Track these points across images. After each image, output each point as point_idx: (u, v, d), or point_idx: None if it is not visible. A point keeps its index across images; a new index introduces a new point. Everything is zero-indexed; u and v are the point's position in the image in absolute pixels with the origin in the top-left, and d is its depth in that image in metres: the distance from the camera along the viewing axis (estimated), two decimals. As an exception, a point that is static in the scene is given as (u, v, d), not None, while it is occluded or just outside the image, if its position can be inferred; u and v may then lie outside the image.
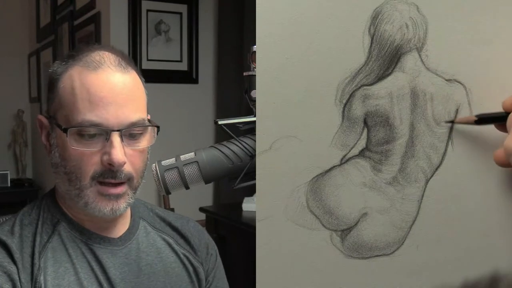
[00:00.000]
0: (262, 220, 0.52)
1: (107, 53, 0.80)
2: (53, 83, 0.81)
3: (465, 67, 0.51)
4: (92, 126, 0.75)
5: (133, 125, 0.77)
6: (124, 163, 0.76)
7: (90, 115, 0.75)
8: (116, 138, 0.75)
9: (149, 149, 0.83)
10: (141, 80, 0.83)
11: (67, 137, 0.75)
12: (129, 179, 0.78)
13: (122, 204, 0.78)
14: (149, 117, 0.83)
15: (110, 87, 0.76)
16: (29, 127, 4.29)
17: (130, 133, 0.77)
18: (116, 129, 0.75)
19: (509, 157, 0.44)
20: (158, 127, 0.82)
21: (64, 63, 0.80)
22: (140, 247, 0.86)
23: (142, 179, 0.82)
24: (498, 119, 0.49)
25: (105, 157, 0.75)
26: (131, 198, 0.80)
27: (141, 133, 0.79)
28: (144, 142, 0.80)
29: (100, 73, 0.77)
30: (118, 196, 0.78)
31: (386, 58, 0.51)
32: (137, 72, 0.82)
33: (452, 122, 0.52)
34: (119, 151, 0.75)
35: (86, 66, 0.77)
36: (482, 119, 0.50)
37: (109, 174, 0.76)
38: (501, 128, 0.50)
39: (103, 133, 0.75)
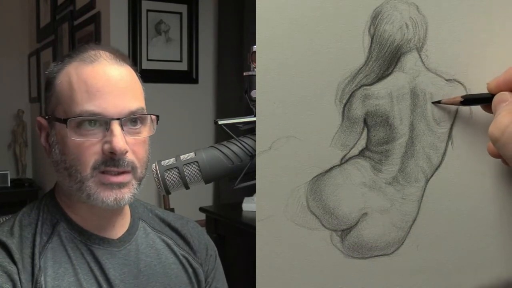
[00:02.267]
0: (262, 220, 0.52)
1: (102, 50, 0.81)
2: (50, 82, 0.81)
3: (465, 67, 0.51)
4: (92, 116, 0.75)
5: (133, 113, 0.77)
6: (126, 151, 0.76)
7: (89, 106, 0.75)
8: (116, 126, 0.75)
9: (149, 140, 0.83)
10: (137, 75, 0.84)
11: (67, 128, 0.75)
12: (133, 168, 0.78)
13: (126, 193, 0.77)
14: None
15: (107, 78, 0.77)
16: (29, 127, 4.30)
17: (130, 122, 0.78)
18: (116, 117, 0.75)
19: (494, 143, 0.44)
20: (157, 116, 0.82)
21: (60, 62, 0.82)
22: (139, 248, 0.86)
23: (146, 171, 0.82)
24: (483, 100, 0.49)
25: (106, 146, 0.75)
26: (136, 188, 0.79)
27: (141, 123, 0.80)
28: (145, 132, 0.80)
29: (96, 65, 0.78)
30: (121, 185, 0.77)
31: (386, 58, 0.51)
32: (133, 69, 0.83)
33: (439, 102, 0.51)
34: (120, 139, 0.75)
35: (83, 61, 0.79)
36: (468, 100, 0.50)
37: (111, 163, 0.75)
38: (487, 110, 0.49)
39: (103, 123, 0.75)
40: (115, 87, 0.77)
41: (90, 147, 0.75)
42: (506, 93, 0.46)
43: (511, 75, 0.46)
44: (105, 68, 0.78)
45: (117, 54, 0.82)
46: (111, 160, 0.75)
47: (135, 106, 0.78)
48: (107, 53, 0.80)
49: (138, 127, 0.79)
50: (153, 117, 0.82)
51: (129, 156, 0.77)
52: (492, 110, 0.46)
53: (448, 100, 0.51)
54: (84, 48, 0.82)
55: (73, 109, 0.76)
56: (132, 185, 0.79)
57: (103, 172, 0.76)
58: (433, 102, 0.51)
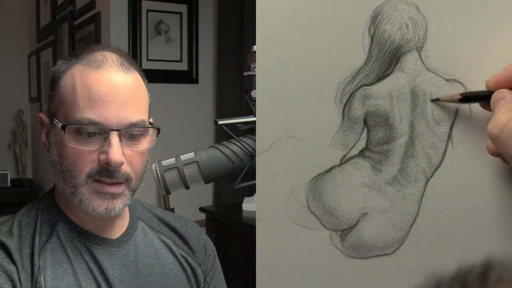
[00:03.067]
0: (262, 220, 0.52)
1: (110, 53, 0.79)
2: (55, 81, 0.81)
3: (465, 67, 0.51)
4: (91, 125, 0.74)
5: (133, 125, 0.77)
6: (122, 163, 0.75)
7: (89, 113, 0.74)
8: (114, 137, 0.74)
9: (149, 151, 0.82)
10: (144, 82, 0.83)
11: (65, 134, 0.75)
12: (127, 180, 0.78)
13: (118, 204, 0.77)
14: (151, 120, 0.83)
15: (111, 86, 0.76)
16: (29, 127, 4.30)
17: (129, 133, 0.77)
18: (115, 128, 0.75)
19: (493, 141, 0.44)
20: (158, 129, 0.81)
21: (67, 61, 0.80)
22: (138, 248, 0.86)
23: (141, 182, 0.81)
24: (482, 98, 0.49)
25: (102, 156, 0.74)
26: (128, 199, 0.79)
27: (141, 135, 0.79)
28: (144, 144, 0.79)
29: (101, 71, 0.76)
30: (114, 195, 0.77)
31: (386, 58, 0.51)
32: (140, 74, 0.82)
33: (438, 100, 0.51)
34: (117, 151, 0.74)
35: (88, 65, 0.77)
36: (467, 98, 0.50)
37: (106, 173, 0.75)
38: (486, 107, 0.49)
39: (102, 132, 0.75)
40: (118, 96, 0.75)
41: (87, 154, 0.75)
42: (505, 90, 0.45)
43: (510, 72, 0.46)
44: (110, 75, 0.76)
45: (124, 58, 0.80)
46: (106, 171, 0.75)
47: (136, 118, 0.77)
48: (114, 57, 0.78)
49: (137, 138, 0.78)
50: (154, 129, 0.81)
51: (125, 168, 0.76)
52: (491, 107, 0.46)
53: (447, 97, 0.51)
54: (92, 49, 0.80)
55: (74, 115, 0.75)
56: (125, 196, 0.78)
57: (97, 181, 0.76)
58: (431, 100, 0.51)
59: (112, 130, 0.74)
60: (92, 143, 0.75)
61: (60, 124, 0.76)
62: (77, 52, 0.81)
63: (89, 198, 0.76)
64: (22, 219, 0.81)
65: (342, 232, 0.53)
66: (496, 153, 0.47)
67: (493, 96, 0.46)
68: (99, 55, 0.78)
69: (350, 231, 0.53)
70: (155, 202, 2.72)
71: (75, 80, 0.77)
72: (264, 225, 0.52)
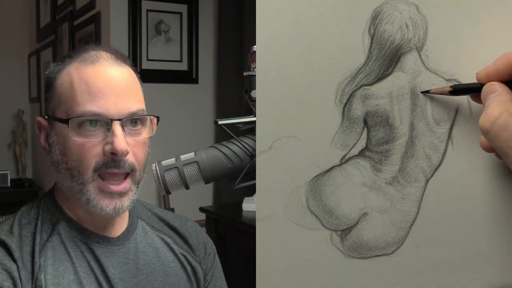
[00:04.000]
0: (262, 220, 0.52)
1: (103, 51, 0.82)
2: (50, 82, 0.81)
3: (465, 67, 0.51)
4: (93, 116, 0.75)
5: (133, 114, 0.78)
6: (127, 151, 0.76)
7: (90, 106, 0.75)
8: (117, 127, 0.75)
9: (149, 142, 0.83)
10: (137, 76, 0.84)
11: (69, 128, 0.75)
12: (132, 170, 0.78)
13: (125, 202, 0.78)
14: None
15: (108, 78, 0.77)
16: (29, 127, 4.30)
17: (130, 123, 0.78)
18: (117, 118, 0.76)
19: (485, 135, 0.44)
20: (157, 117, 0.83)
21: (60, 62, 0.82)
22: (138, 247, 0.86)
23: (143, 173, 0.82)
24: (473, 90, 0.49)
25: (108, 147, 0.75)
26: (135, 194, 0.80)
27: (141, 125, 0.80)
28: (145, 133, 0.81)
29: (97, 66, 0.78)
30: (121, 194, 0.78)
31: (386, 58, 0.51)
32: (133, 70, 0.84)
33: (428, 92, 0.51)
34: (122, 139, 0.75)
35: (83, 61, 0.79)
36: (457, 90, 0.50)
37: (112, 164, 0.76)
38: (477, 99, 0.49)
39: (104, 123, 0.76)
40: (116, 88, 0.77)
41: (92, 148, 0.76)
42: (495, 83, 0.45)
43: (500, 64, 0.46)
44: (106, 68, 0.78)
45: (117, 54, 0.82)
46: (112, 162, 0.76)
47: (136, 107, 0.79)
48: (108, 54, 0.81)
49: (138, 128, 0.80)
50: (153, 118, 0.82)
51: (130, 158, 0.77)
52: (481, 100, 0.46)
53: (437, 90, 0.51)
54: (85, 48, 0.82)
55: (75, 110, 0.76)
56: (131, 191, 0.79)
57: (103, 179, 0.77)
58: (422, 92, 0.51)
59: (114, 119, 0.75)
60: (96, 135, 0.76)
61: (63, 119, 0.77)
62: (70, 53, 0.84)
63: (97, 197, 0.77)
64: (22, 218, 0.81)
65: (342, 232, 0.53)
66: (489, 148, 0.47)
67: (484, 89, 0.46)
68: (93, 52, 0.81)
69: (350, 231, 0.53)
70: (155, 202, 2.72)
71: (72, 77, 0.78)
72: (264, 225, 0.52)
